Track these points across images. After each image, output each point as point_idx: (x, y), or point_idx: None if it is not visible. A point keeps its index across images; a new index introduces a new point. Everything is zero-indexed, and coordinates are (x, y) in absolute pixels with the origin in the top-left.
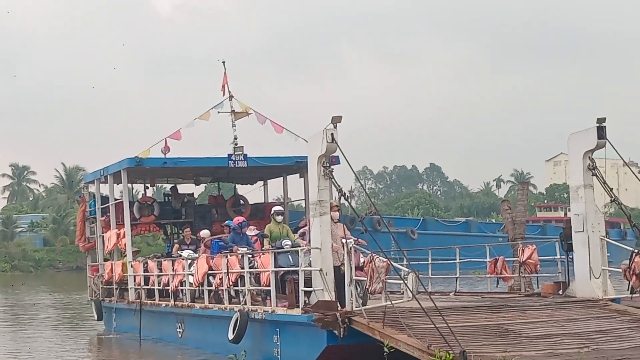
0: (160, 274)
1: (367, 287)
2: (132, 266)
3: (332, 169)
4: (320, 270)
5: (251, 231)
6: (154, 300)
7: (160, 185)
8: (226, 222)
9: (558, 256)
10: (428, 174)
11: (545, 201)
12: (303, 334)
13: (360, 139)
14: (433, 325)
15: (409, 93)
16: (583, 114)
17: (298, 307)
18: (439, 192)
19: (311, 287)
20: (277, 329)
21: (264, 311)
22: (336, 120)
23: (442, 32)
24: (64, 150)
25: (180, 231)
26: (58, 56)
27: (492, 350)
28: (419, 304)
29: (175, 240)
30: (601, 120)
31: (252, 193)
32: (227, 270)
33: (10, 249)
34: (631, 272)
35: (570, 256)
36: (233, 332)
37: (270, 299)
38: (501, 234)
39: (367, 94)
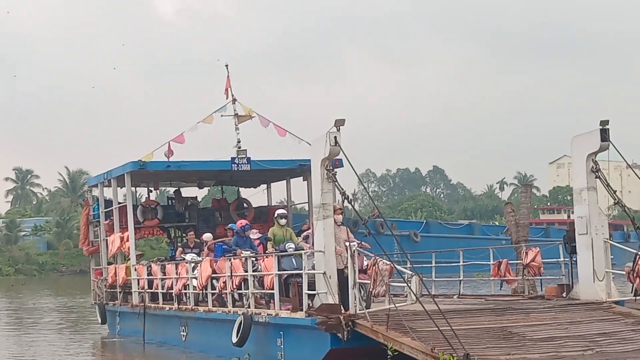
0: (164, 277)
1: (370, 290)
2: (135, 270)
3: (336, 172)
4: (324, 273)
5: (253, 234)
6: (158, 303)
7: (163, 188)
8: (229, 225)
9: (562, 259)
10: (431, 176)
11: (549, 204)
12: (307, 337)
13: (363, 142)
14: (437, 328)
15: (411, 94)
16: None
17: (302, 310)
18: (442, 195)
19: (315, 290)
20: (281, 332)
21: (267, 314)
22: (339, 123)
23: (442, 33)
24: (68, 154)
25: (184, 234)
26: (60, 59)
27: (495, 353)
28: (423, 306)
29: (179, 244)
30: (604, 123)
31: (255, 196)
32: (231, 273)
33: (14, 252)
34: (635, 275)
35: (574, 259)
36: (237, 336)
37: (274, 302)
38: (504, 237)
39: (369, 96)
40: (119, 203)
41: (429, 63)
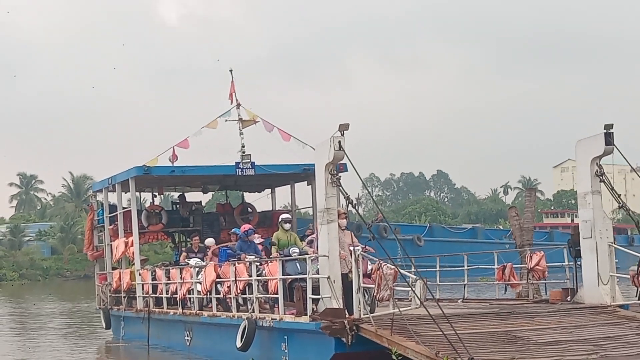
0: (169, 282)
1: (374, 294)
2: (140, 274)
3: (340, 176)
4: (328, 277)
5: (256, 239)
6: (162, 308)
7: (168, 193)
8: (233, 229)
9: (566, 262)
10: (435, 180)
11: (553, 207)
12: (311, 341)
13: (367, 146)
14: (441, 333)
15: (415, 99)
16: (590, 119)
17: (306, 314)
18: (446, 199)
19: (319, 294)
20: (285, 337)
21: (272, 319)
22: (343, 127)
23: (446, 38)
24: (72, 159)
25: (189, 239)
26: (64, 65)
27: (500, 357)
28: (427, 311)
29: (183, 249)
30: (609, 127)
31: (259, 201)
32: (235, 278)
33: (18, 257)
34: (639, 278)
35: (579, 262)
36: (241, 340)
37: (278, 307)
38: (508, 241)
39: (373, 100)
40: (124, 208)
41: (432, 68)
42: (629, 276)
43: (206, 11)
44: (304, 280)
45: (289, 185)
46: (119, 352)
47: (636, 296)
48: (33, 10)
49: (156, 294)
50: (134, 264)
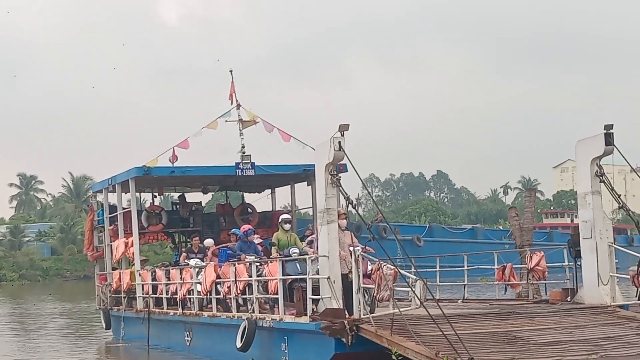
0: (169, 282)
1: (374, 294)
2: (140, 275)
3: (340, 176)
4: (328, 278)
5: (255, 239)
6: (162, 309)
7: (168, 194)
8: (233, 230)
9: (566, 263)
10: (435, 181)
11: (552, 208)
12: (311, 341)
13: (367, 147)
14: (441, 333)
15: (415, 99)
16: (590, 119)
17: (306, 315)
18: (446, 199)
19: (319, 295)
20: (285, 337)
21: (272, 319)
22: (343, 128)
23: (446, 38)
24: (72, 160)
25: (189, 240)
26: (64, 65)
27: (500, 358)
28: (427, 311)
29: (183, 249)
30: (609, 127)
31: (259, 201)
32: (235, 278)
33: (18, 258)
34: (639, 279)
35: (578, 263)
36: (241, 341)
37: (278, 307)
38: (507, 241)
39: (373, 100)
40: (124, 208)
41: (432, 68)
42: (628, 276)
43: (206, 11)
44: (304, 280)
45: (289, 186)
46: (119, 352)
47: (636, 296)
48: (33, 10)
49: (156, 294)
50: (134, 264)
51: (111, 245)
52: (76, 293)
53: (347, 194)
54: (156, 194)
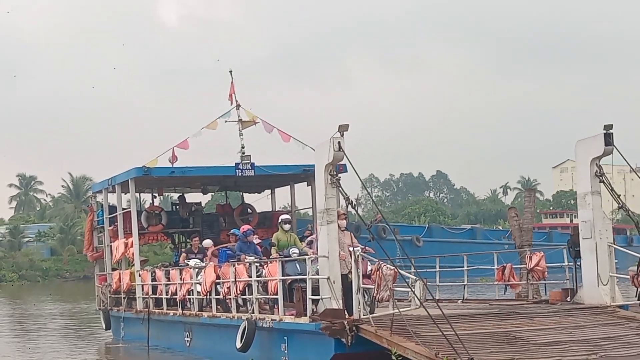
0: (168, 283)
1: (374, 295)
2: (140, 275)
3: (339, 177)
4: (328, 278)
5: (254, 240)
6: (162, 309)
7: (167, 194)
8: (232, 230)
9: (566, 263)
10: (435, 181)
11: (552, 208)
12: (311, 342)
13: (367, 147)
14: (441, 333)
15: (414, 100)
16: (589, 119)
17: (306, 315)
18: (445, 200)
19: (319, 295)
20: (285, 338)
21: (271, 319)
22: (343, 128)
23: (446, 38)
24: (71, 160)
25: (188, 240)
26: (64, 66)
27: (500, 358)
28: (427, 311)
29: (183, 249)
30: (608, 127)
31: (259, 202)
32: (235, 278)
33: (18, 258)
34: (639, 279)
35: (578, 263)
36: (241, 341)
37: (278, 308)
38: (507, 241)
39: (373, 101)
40: (123, 209)
41: (433, 68)
42: (628, 276)
43: (206, 12)
44: (304, 281)
45: (289, 186)
46: (119, 353)
47: (636, 296)
48: (33, 11)
49: (156, 294)
50: (133, 264)
51: (111, 246)
52: (76, 294)
53: (346, 195)
54: (156, 195)
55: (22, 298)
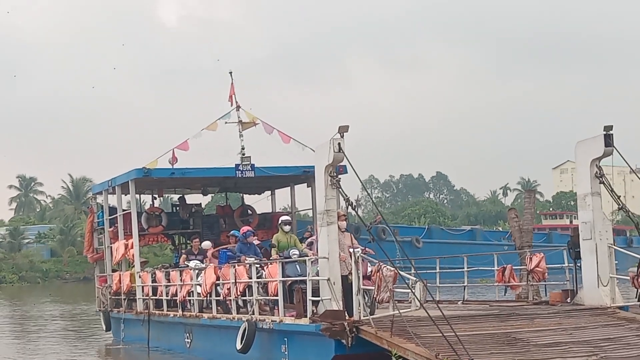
0: (168, 284)
1: (374, 296)
2: (140, 277)
3: (339, 178)
4: (328, 279)
5: (254, 241)
6: (162, 310)
7: (167, 195)
8: (232, 232)
9: (566, 264)
10: (434, 182)
11: (552, 209)
12: (311, 343)
13: (367, 148)
14: (441, 334)
15: (414, 100)
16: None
17: (306, 316)
18: (445, 201)
19: (319, 296)
20: (285, 339)
21: (271, 321)
22: (343, 129)
23: (446, 39)
24: (71, 161)
25: (189, 241)
26: (64, 66)
27: (500, 359)
28: (427, 312)
29: (183, 251)
30: (608, 128)
31: (259, 203)
32: (235, 280)
33: (18, 260)
34: (639, 280)
35: (578, 264)
36: (241, 342)
37: (278, 309)
38: (506, 242)
39: (373, 102)
40: (123, 210)
41: (432, 68)
42: (628, 277)
43: (206, 12)
44: (304, 282)
45: (289, 187)
46: (119, 354)
47: (636, 297)
48: (33, 11)
49: (156, 296)
50: (133, 266)
51: (111, 247)
52: (76, 295)
53: (346, 196)
54: (156, 196)
55: (22, 299)
